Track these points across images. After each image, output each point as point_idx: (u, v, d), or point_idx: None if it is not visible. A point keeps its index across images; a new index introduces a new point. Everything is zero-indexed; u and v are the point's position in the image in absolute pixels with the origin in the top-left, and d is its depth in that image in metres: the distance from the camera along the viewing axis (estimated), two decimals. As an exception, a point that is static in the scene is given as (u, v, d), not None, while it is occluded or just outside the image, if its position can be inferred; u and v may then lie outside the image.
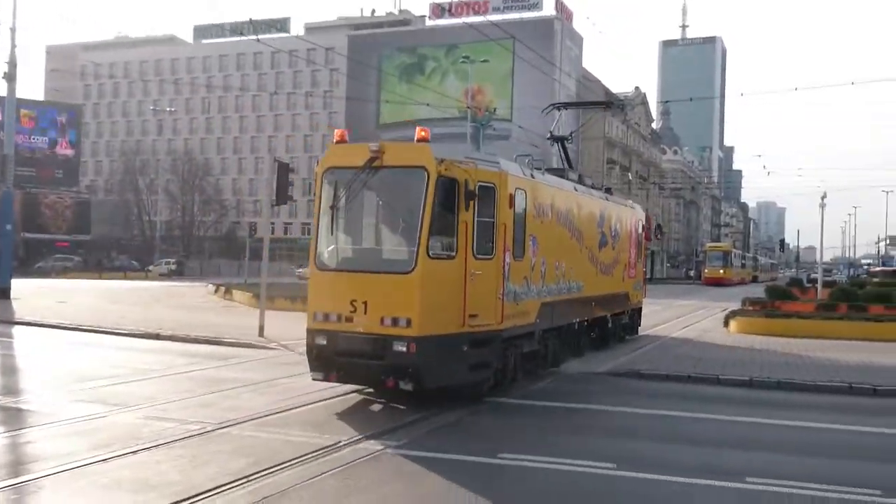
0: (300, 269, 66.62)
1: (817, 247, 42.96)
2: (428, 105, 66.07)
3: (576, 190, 15.43)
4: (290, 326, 20.76)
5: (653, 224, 24.45)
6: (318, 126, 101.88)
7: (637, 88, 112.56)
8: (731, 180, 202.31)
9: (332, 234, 11.33)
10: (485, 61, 63.27)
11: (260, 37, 69.89)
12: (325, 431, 8.85)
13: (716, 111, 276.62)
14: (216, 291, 36.29)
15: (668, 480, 7.22)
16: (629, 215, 19.70)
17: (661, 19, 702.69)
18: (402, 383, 9.98)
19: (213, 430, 8.85)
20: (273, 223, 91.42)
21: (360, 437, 8.62)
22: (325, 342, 10.55)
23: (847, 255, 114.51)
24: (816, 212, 34.47)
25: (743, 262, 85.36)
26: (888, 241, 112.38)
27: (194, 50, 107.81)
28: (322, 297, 10.93)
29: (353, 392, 11.36)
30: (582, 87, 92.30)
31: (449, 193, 10.36)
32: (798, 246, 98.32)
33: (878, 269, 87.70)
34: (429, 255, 10.12)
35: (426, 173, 10.25)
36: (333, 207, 11.14)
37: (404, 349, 9.92)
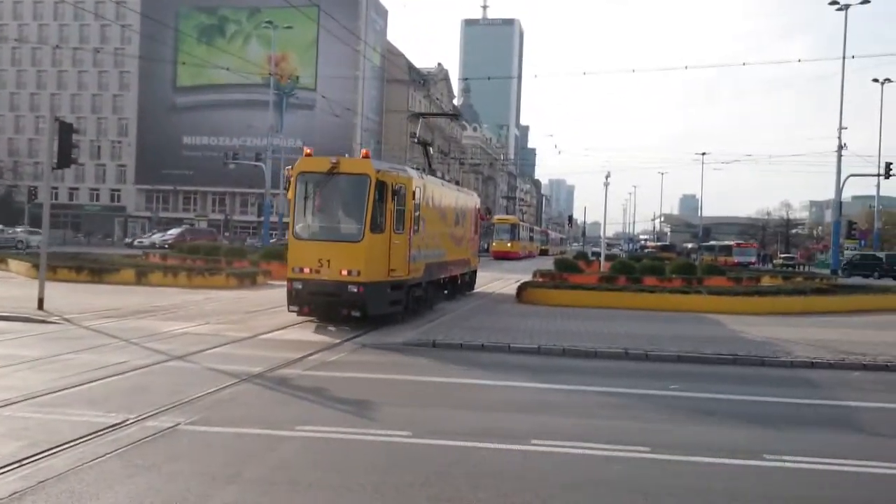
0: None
1: (602, 223, 45.97)
2: (228, 69, 63.83)
3: (442, 185, 21.84)
4: (76, 299, 19.59)
5: (482, 208, 31.15)
6: (108, 86, 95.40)
7: (440, 65, 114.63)
8: (526, 158, 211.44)
9: (304, 216, 16.65)
10: (288, 27, 61.87)
11: (40, -15, 64.52)
12: (111, 410, 8.39)
13: (513, 91, 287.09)
14: (-12, 260, 33.24)
15: (458, 446, 7.49)
16: (470, 201, 26.26)
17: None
18: (354, 313, 15.76)
19: (-19, 412, 8.15)
20: (56, 188, 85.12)
21: (148, 413, 8.26)
22: (301, 287, 15.98)
23: (627, 231, 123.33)
24: (602, 190, 36.87)
25: (531, 235, 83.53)
26: (662, 219, 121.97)
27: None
28: (298, 257, 16.26)
29: (145, 366, 10.89)
30: (386, 61, 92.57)
31: (381, 192, 16.03)
32: (585, 221, 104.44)
33: (652, 244, 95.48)
34: (370, 231, 15.78)
35: (369, 178, 15.96)
36: (305, 198, 16.62)
37: (356, 290, 15.59)
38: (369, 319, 16.07)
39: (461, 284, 24.36)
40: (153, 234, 66.75)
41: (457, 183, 27.64)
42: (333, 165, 16.36)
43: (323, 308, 16.49)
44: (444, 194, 21.37)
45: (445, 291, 22.15)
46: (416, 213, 17.54)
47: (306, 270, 15.95)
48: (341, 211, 16.91)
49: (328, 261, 15.76)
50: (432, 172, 22.49)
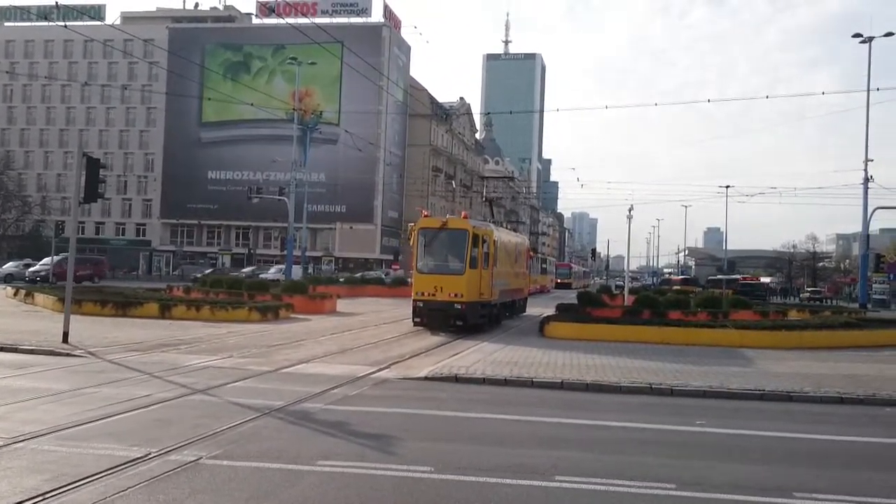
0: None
1: (625, 256, 45.78)
2: (252, 105, 64.64)
3: (507, 233, 30.85)
4: (100, 332, 19.73)
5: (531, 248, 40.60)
6: (135, 121, 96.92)
7: (462, 99, 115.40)
8: (549, 191, 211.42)
9: (424, 257, 24.08)
10: (312, 64, 62.63)
11: (72, 24, 65.82)
12: (134, 443, 8.39)
13: (535, 124, 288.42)
14: (16, 294, 33.64)
15: (480, 482, 7.39)
16: (523, 242, 35.61)
17: (485, 34, 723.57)
18: (457, 322, 23.07)
19: (5, 446, 8.16)
20: (83, 222, 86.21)
21: (170, 447, 8.24)
22: (422, 305, 23.55)
23: (651, 265, 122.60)
24: (625, 223, 36.73)
25: (543, 266, 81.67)
26: (686, 252, 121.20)
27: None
28: (420, 285, 23.75)
29: (167, 399, 10.90)
30: (409, 96, 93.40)
31: (475, 240, 23.49)
32: (608, 255, 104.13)
33: (676, 277, 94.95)
34: (469, 267, 23.25)
35: (467, 232, 23.60)
36: (424, 245, 24.12)
37: (459, 307, 22.98)
38: (467, 328, 23.27)
39: (517, 307, 31.85)
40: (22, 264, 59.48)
41: (514, 229, 37.39)
42: (444, 223, 25.02)
43: (436, 319, 23.69)
44: (508, 240, 29.92)
45: (507, 313, 29.29)
46: (494, 255, 25.10)
47: (425, 294, 23.57)
48: (449, 253, 24.25)
49: (441, 287, 23.35)
50: (497, 223, 30.31)
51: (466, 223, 24.37)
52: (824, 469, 8.57)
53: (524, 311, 33.12)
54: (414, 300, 23.93)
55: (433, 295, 23.34)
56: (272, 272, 59.98)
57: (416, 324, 24.19)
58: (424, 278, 23.85)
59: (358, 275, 60.48)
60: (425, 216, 25.53)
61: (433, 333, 22.86)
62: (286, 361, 15.65)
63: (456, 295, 23.19)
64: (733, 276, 78.92)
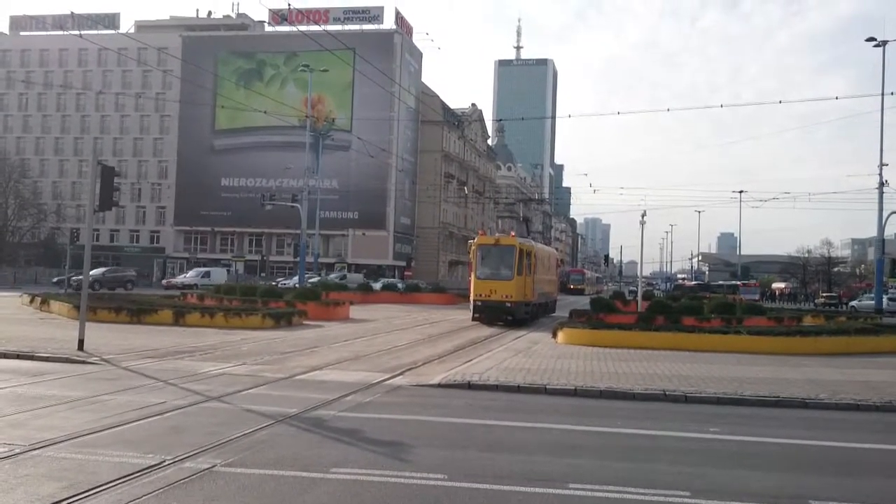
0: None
1: (638, 261, 45.66)
2: (265, 112, 64.95)
3: (543, 247, 37.77)
4: (115, 339, 19.85)
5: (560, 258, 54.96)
6: (149, 129, 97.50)
7: (474, 105, 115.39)
8: (561, 197, 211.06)
9: (482, 267, 30.28)
10: (325, 71, 62.92)
11: (87, 33, 66.42)
12: (149, 451, 8.44)
13: (547, 130, 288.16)
14: (31, 302, 33.88)
15: (494, 490, 7.40)
16: (555, 254, 44.50)
17: (496, 40, 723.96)
18: (508, 317, 29.76)
19: (22, 453, 8.23)
20: (97, 230, 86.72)
21: (185, 454, 8.29)
22: (480, 304, 30.01)
23: (664, 270, 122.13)
24: (638, 228, 36.57)
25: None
26: (700, 258, 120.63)
27: (11, 42, 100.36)
28: (478, 288, 30.01)
29: (182, 406, 10.96)
30: (420, 102, 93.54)
31: (520, 253, 30.17)
32: (621, 260, 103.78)
33: (689, 283, 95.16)
34: (517, 274, 29.87)
35: (515, 247, 30.35)
36: (482, 257, 30.47)
37: (509, 305, 29.75)
38: (514, 322, 29.86)
39: (549, 307, 38.76)
40: None
41: (548, 243, 47.46)
42: (497, 240, 31.65)
43: (491, 315, 30.21)
44: (543, 253, 37.77)
45: (543, 311, 36.00)
46: (535, 265, 32.39)
47: (482, 295, 30.09)
48: (501, 264, 30.43)
49: (495, 290, 29.94)
50: (534, 238, 40.58)
51: (514, 240, 31.18)
52: (840, 477, 8.52)
53: (554, 311, 38.97)
54: (473, 300, 30.51)
55: (489, 296, 29.94)
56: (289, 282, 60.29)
57: (474, 319, 30.52)
58: (482, 283, 30.27)
59: (352, 284, 59.72)
60: (481, 234, 34.00)
61: (489, 326, 29.51)
62: (300, 368, 15.70)
63: (506, 296, 29.79)
64: (734, 283, 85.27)
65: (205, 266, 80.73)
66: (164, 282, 65.05)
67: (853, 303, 60.67)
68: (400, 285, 58.98)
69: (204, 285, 51.86)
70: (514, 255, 30.20)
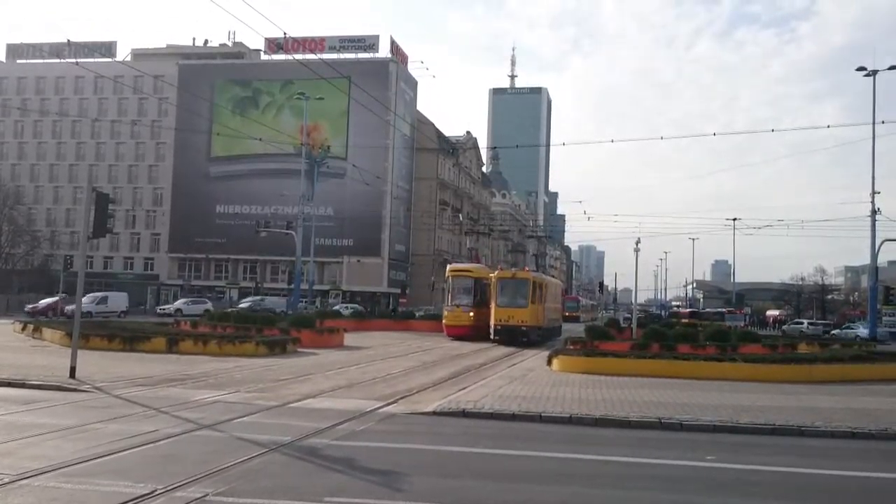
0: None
1: (633, 289, 45.67)
2: (261, 140, 65.17)
3: (549, 279, 48.86)
4: (107, 367, 19.71)
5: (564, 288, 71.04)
6: (144, 156, 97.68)
7: (468, 133, 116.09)
8: (556, 224, 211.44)
9: (501, 297, 35.90)
10: (320, 98, 63.17)
11: (83, 61, 66.78)
12: (140, 479, 8.35)
13: (541, 158, 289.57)
14: (23, 329, 33.69)
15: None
16: (560, 284, 59.87)
17: (491, 68, 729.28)
18: (522, 339, 35.21)
19: (10, 482, 8.13)
20: (91, 257, 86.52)
21: (177, 483, 8.21)
22: (500, 328, 35.63)
23: (659, 297, 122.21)
24: (632, 255, 36.71)
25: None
26: (694, 285, 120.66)
27: (7, 70, 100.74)
28: (498, 314, 35.58)
29: (174, 435, 10.87)
30: (415, 130, 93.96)
31: (533, 284, 36.79)
32: (616, 288, 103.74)
33: (684, 311, 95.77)
34: (531, 303, 35.92)
35: (530, 279, 37.07)
36: (501, 288, 36.24)
37: (525, 329, 35.63)
38: (529, 343, 34.92)
39: (556, 331, 44.19)
40: None
41: (543, 271, 53.27)
42: (514, 273, 37.91)
43: (509, 337, 35.33)
44: (551, 283, 46.65)
45: (550, 334, 41.04)
46: (545, 295, 38.90)
47: (502, 320, 35.43)
48: (517, 294, 35.79)
49: (512, 316, 35.39)
50: (544, 271, 52.41)
51: (529, 274, 38.05)
52: (837, 505, 8.46)
53: (560, 335, 42.30)
54: (494, 324, 35.85)
55: (507, 321, 35.40)
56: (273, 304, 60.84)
57: (495, 341, 35.75)
58: (501, 310, 35.66)
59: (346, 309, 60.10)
60: (501, 269, 40.27)
61: (506, 346, 34.03)
62: (293, 396, 15.60)
63: (522, 321, 35.42)
64: (719, 310, 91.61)
65: (197, 294, 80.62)
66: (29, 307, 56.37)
67: (834, 331, 61.09)
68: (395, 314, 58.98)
69: (99, 312, 50.76)
70: (528, 286, 36.00)
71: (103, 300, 55.80)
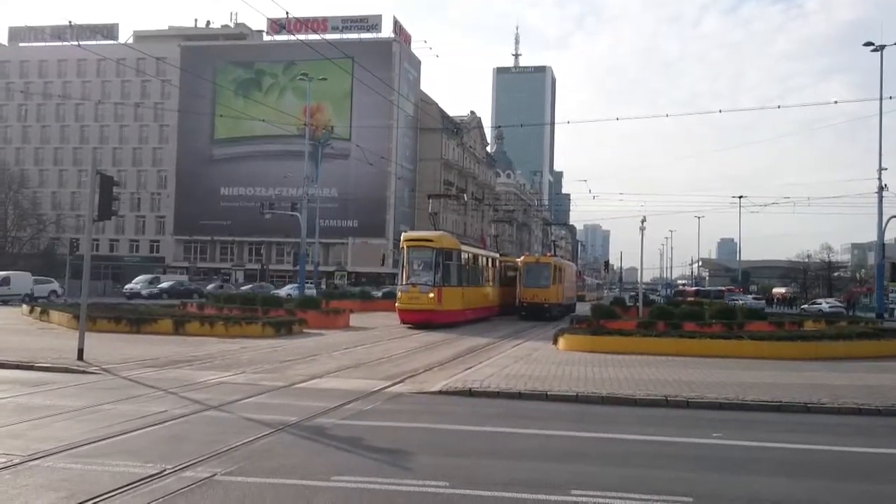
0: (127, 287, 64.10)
1: (638, 267, 45.73)
2: (264, 121, 65.00)
3: (568, 263, 56.36)
4: (115, 349, 19.78)
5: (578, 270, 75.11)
6: (148, 139, 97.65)
7: (472, 112, 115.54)
8: (560, 203, 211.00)
9: (525, 279, 41.18)
10: (323, 79, 62.99)
11: (85, 43, 66.51)
12: (149, 460, 8.39)
13: (546, 137, 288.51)
14: (31, 312, 33.83)
15: (496, 496, 7.35)
16: (574, 267, 66.21)
17: (495, 47, 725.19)
18: (547, 314, 39.84)
19: (20, 463, 8.18)
20: (97, 240, 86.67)
21: (185, 463, 8.24)
22: (526, 304, 40.59)
23: (664, 276, 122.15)
24: (638, 234, 36.54)
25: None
26: (700, 263, 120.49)
27: (10, 53, 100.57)
28: (524, 294, 40.82)
29: (182, 416, 10.92)
30: (419, 110, 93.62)
31: (554, 269, 41.97)
32: (621, 267, 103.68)
33: (690, 289, 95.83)
34: (553, 283, 40.96)
35: (551, 265, 42.24)
36: (526, 272, 41.48)
37: (547, 306, 40.54)
38: (551, 318, 38.75)
39: (572, 308, 47.75)
40: None
41: (572, 259, 66.49)
42: (537, 259, 44.04)
43: (533, 313, 39.75)
44: (568, 266, 50.73)
45: (567, 311, 44.14)
46: (563, 276, 43.53)
47: (527, 299, 40.19)
48: (540, 276, 40.37)
49: (536, 295, 39.98)
50: (562, 257, 56.34)
51: (550, 259, 43.61)
52: (843, 482, 8.47)
53: (575, 311, 45.19)
54: (520, 302, 40.80)
55: (532, 299, 40.17)
56: (285, 290, 59.37)
57: (521, 317, 40.06)
58: (527, 290, 40.46)
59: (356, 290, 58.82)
60: (526, 255, 49.01)
61: (530, 322, 37.91)
62: (300, 377, 15.64)
63: (545, 299, 40.19)
64: (719, 288, 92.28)
65: (203, 275, 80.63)
66: None
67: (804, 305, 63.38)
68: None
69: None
70: (550, 269, 40.88)
71: (4, 281, 50.15)
